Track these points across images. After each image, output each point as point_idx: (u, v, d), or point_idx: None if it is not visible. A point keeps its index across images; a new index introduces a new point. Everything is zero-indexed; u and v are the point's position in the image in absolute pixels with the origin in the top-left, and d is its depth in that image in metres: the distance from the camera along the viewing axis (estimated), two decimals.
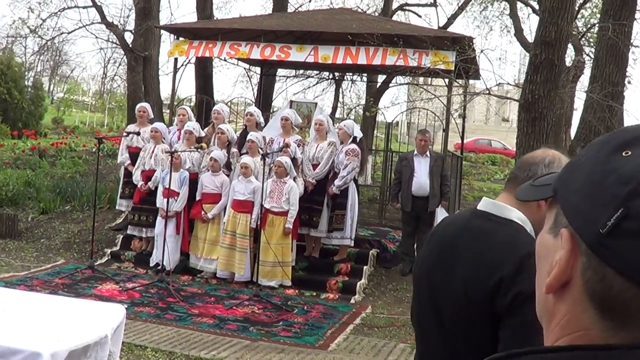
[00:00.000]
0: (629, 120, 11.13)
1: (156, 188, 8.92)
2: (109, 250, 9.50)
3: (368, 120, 17.12)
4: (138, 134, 9.49)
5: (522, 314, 1.67)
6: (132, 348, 5.87)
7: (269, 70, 14.99)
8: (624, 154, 0.72)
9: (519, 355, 0.74)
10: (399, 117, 23.03)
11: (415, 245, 9.11)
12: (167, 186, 8.27)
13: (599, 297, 0.71)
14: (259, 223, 8.26)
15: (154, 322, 6.78)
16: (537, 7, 13.83)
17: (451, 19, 18.32)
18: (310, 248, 9.07)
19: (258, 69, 15.16)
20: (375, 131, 19.10)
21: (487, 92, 9.82)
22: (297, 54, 10.36)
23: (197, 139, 9.02)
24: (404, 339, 6.84)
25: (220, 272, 8.55)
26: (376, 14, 18.34)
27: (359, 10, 17.88)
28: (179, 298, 7.66)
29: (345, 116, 19.81)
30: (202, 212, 8.70)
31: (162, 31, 14.47)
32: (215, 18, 15.75)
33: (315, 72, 15.92)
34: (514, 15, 15.65)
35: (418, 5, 20.19)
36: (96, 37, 17.14)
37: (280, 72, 15.93)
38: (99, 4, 15.00)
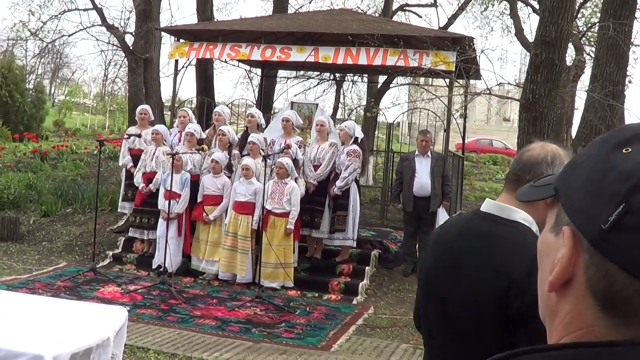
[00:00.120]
0: (629, 119, 11.11)
1: (157, 190, 8.92)
2: (110, 253, 9.50)
3: (369, 120, 17.12)
4: (139, 136, 9.48)
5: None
6: (135, 350, 5.87)
7: (269, 71, 14.99)
8: (624, 151, 0.73)
9: (523, 353, 0.74)
10: (400, 117, 23.11)
11: (417, 246, 9.11)
12: (169, 188, 8.27)
13: (602, 293, 0.71)
14: (260, 224, 8.26)
15: (156, 324, 6.79)
16: (537, 6, 13.83)
17: (451, 19, 18.32)
18: (312, 249, 9.06)
19: (259, 71, 15.17)
20: (377, 132, 19.08)
21: (488, 92, 9.81)
22: (298, 54, 10.37)
23: (198, 141, 9.02)
24: (406, 340, 6.84)
25: (222, 273, 8.55)
26: (376, 14, 18.36)
27: (359, 11, 17.88)
28: (181, 300, 7.66)
29: (346, 117, 19.81)
30: (204, 214, 8.70)
31: (163, 33, 14.49)
32: (215, 20, 15.76)
33: (316, 73, 15.94)
34: (514, 15, 15.65)
35: (418, 5, 20.20)
36: (97, 40, 17.22)
37: (281, 73, 15.94)
38: (99, 6, 15.00)
